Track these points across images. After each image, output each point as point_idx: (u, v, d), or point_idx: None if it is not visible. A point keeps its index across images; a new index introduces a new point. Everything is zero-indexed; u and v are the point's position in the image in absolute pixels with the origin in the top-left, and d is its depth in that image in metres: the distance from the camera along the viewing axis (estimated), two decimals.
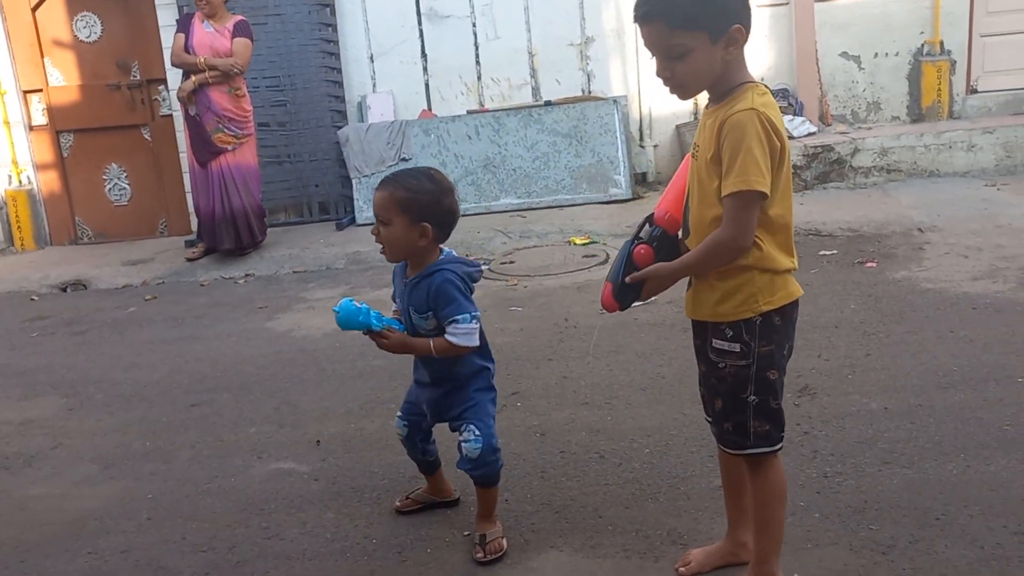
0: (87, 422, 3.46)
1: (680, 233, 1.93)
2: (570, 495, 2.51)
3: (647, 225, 1.94)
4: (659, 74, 1.77)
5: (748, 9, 1.75)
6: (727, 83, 1.76)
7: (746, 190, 1.67)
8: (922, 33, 6.56)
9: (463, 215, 6.46)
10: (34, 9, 6.77)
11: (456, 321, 2.18)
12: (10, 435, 3.39)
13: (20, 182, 6.95)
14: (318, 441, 3.06)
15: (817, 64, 6.58)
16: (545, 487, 2.57)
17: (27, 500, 2.85)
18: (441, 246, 2.28)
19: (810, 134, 6.35)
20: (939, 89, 6.58)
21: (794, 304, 1.85)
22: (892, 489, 2.37)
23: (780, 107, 7.21)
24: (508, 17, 6.70)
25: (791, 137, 6.27)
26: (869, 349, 3.37)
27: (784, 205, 1.80)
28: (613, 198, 6.35)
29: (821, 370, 3.20)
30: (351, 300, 2.25)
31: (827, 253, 4.74)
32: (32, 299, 5.62)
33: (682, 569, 2.07)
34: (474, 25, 6.73)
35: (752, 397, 1.84)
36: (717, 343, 1.86)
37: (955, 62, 6.58)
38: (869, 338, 3.48)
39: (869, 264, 4.49)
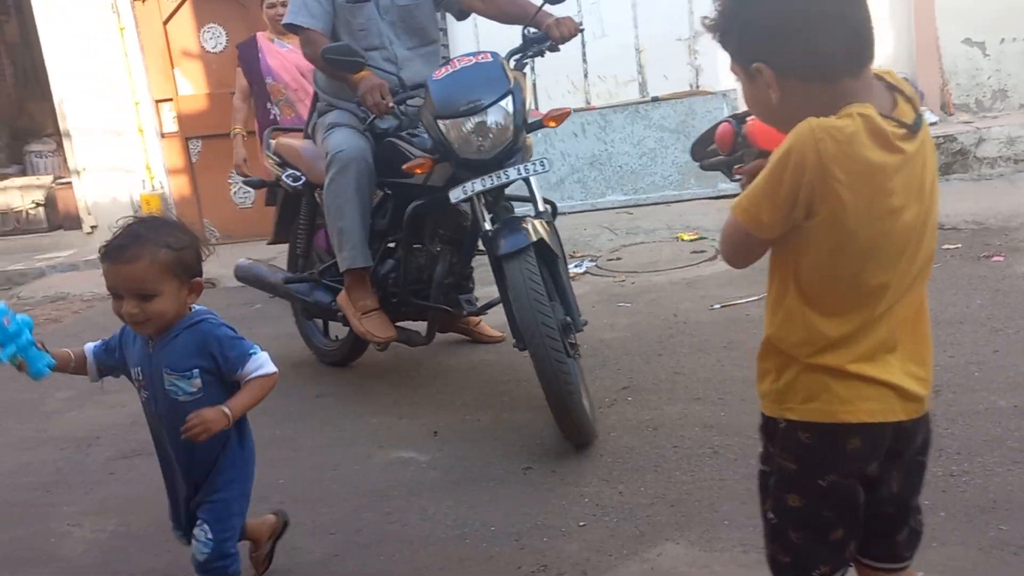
0: None
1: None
2: (684, 489, 2.53)
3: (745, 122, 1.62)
4: None
5: (790, 45, 1.28)
6: (821, 116, 1.31)
7: (734, 207, 1.32)
8: None
9: (570, 212, 6.53)
10: (165, 22, 7.20)
11: (254, 354, 1.92)
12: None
13: (153, 186, 7.39)
14: (435, 432, 3.16)
15: (938, 52, 6.33)
16: (659, 481, 2.60)
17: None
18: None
19: (931, 124, 6.12)
20: None
21: (850, 429, 1.32)
22: (1022, 489, 2.29)
23: None
24: (615, 14, 6.70)
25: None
26: (996, 345, 3.24)
27: (833, 275, 1.30)
28: (722, 193, 6.27)
29: (946, 367, 3.10)
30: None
31: (951, 247, 4.56)
32: None
33: None
34: (581, 23, 6.76)
35: (770, 514, 1.44)
36: None
37: None
38: (996, 334, 3.35)
39: (996, 258, 4.31)
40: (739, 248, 1.38)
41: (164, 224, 1.93)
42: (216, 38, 7.20)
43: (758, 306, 3.99)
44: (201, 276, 1.96)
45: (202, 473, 2.00)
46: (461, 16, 3.69)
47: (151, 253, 1.83)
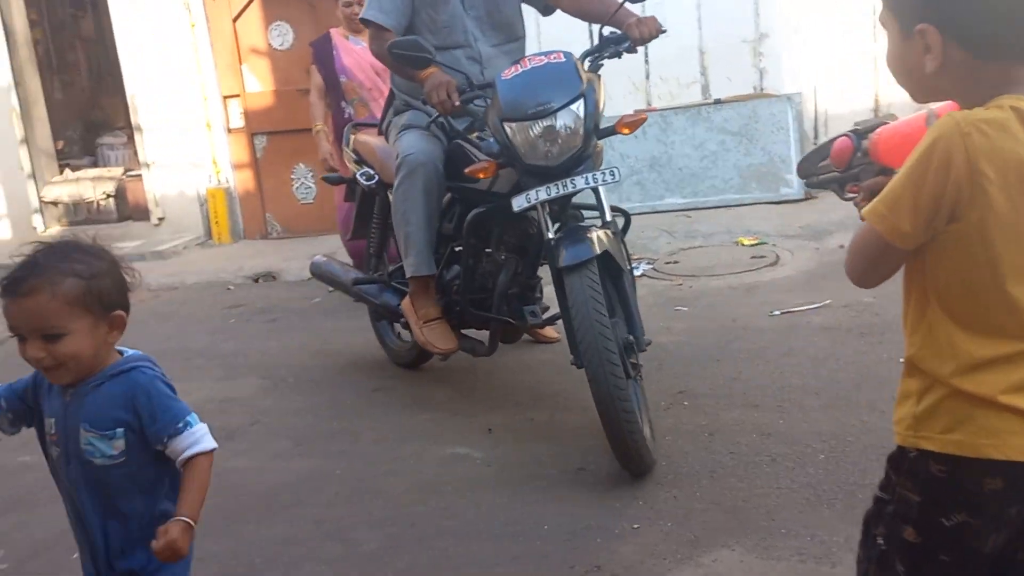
0: (281, 402, 3.76)
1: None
2: (741, 496, 2.50)
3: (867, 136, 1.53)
4: None
5: (974, 11, 1.17)
6: (972, 97, 1.20)
7: (868, 214, 1.20)
8: None
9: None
10: (235, 20, 7.34)
11: (190, 424, 1.60)
12: (213, 411, 3.71)
13: (219, 181, 7.56)
14: (489, 429, 3.18)
15: None
16: (715, 486, 2.58)
17: (228, 471, 3.10)
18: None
19: None
20: None
21: (992, 466, 1.17)
22: None
23: None
24: (679, 15, 6.63)
25: None
26: None
27: (977, 288, 1.18)
28: (784, 198, 6.18)
29: None
30: None
31: None
32: (228, 288, 6.12)
33: None
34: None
35: (880, 540, 1.29)
36: None
37: None
38: None
39: None
40: (873, 262, 1.24)
41: (73, 248, 1.61)
42: (283, 36, 7.33)
43: (819, 314, 3.92)
44: (125, 309, 1.63)
45: (131, 555, 1.64)
46: (546, 11, 3.54)
47: (52, 284, 1.53)
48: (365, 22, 3.37)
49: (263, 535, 2.63)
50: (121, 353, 1.66)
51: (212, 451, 1.62)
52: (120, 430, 1.58)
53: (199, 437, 1.60)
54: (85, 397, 1.60)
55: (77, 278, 1.55)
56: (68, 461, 1.63)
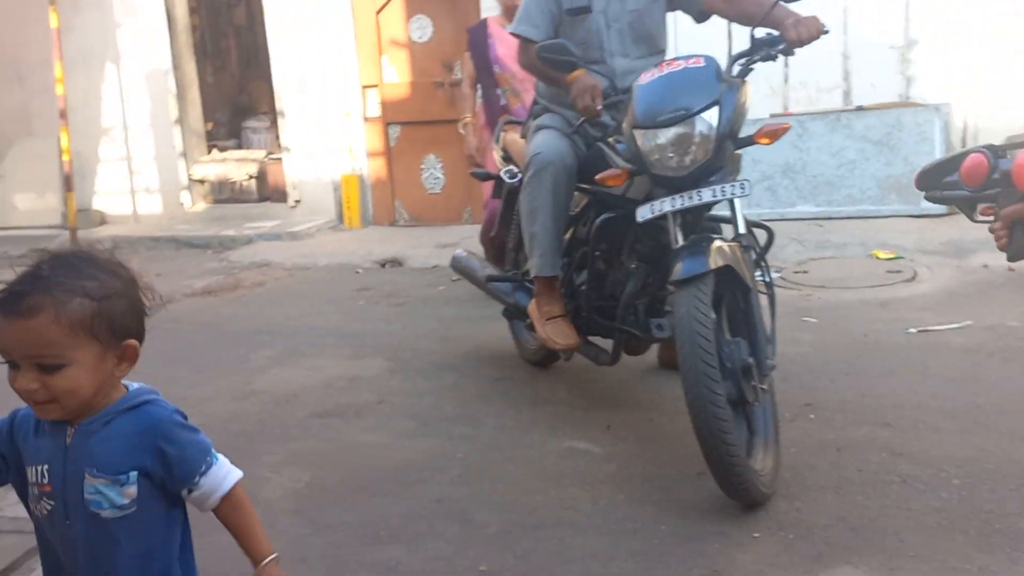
0: (406, 383, 3.89)
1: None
2: (868, 515, 2.44)
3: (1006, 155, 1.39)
4: None
5: None
6: None
7: None
8: None
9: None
10: (378, 12, 7.60)
11: (216, 456, 1.41)
12: (343, 388, 3.88)
13: (353, 167, 7.84)
14: (608, 426, 3.21)
15: None
16: (841, 503, 2.52)
17: (356, 445, 3.27)
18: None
19: None
20: None
21: None
22: None
23: None
24: (823, 18, 6.43)
25: None
26: None
27: None
28: (925, 212, 5.92)
29: None
30: None
31: None
32: (357, 272, 6.34)
33: None
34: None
35: None
36: None
37: None
38: None
39: None
40: None
41: (85, 263, 1.35)
42: (423, 28, 7.53)
43: (959, 335, 3.76)
44: (139, 338, 1.38)
45: None
46: (701, 18, 3.44)
47: (57, 304, 1.28)
48: (515, 35, 3.38)
49: (388, 509, 2.74)
50: (127, 387, 1.41)
51: (241, 478, 1.44)
52: (134, 474, 1.34)
53: (227, 468, 1.42)
54: (91, 437, 1.35)
55: (87, 298, 1.30)
56: (66, 516, 1.35)
